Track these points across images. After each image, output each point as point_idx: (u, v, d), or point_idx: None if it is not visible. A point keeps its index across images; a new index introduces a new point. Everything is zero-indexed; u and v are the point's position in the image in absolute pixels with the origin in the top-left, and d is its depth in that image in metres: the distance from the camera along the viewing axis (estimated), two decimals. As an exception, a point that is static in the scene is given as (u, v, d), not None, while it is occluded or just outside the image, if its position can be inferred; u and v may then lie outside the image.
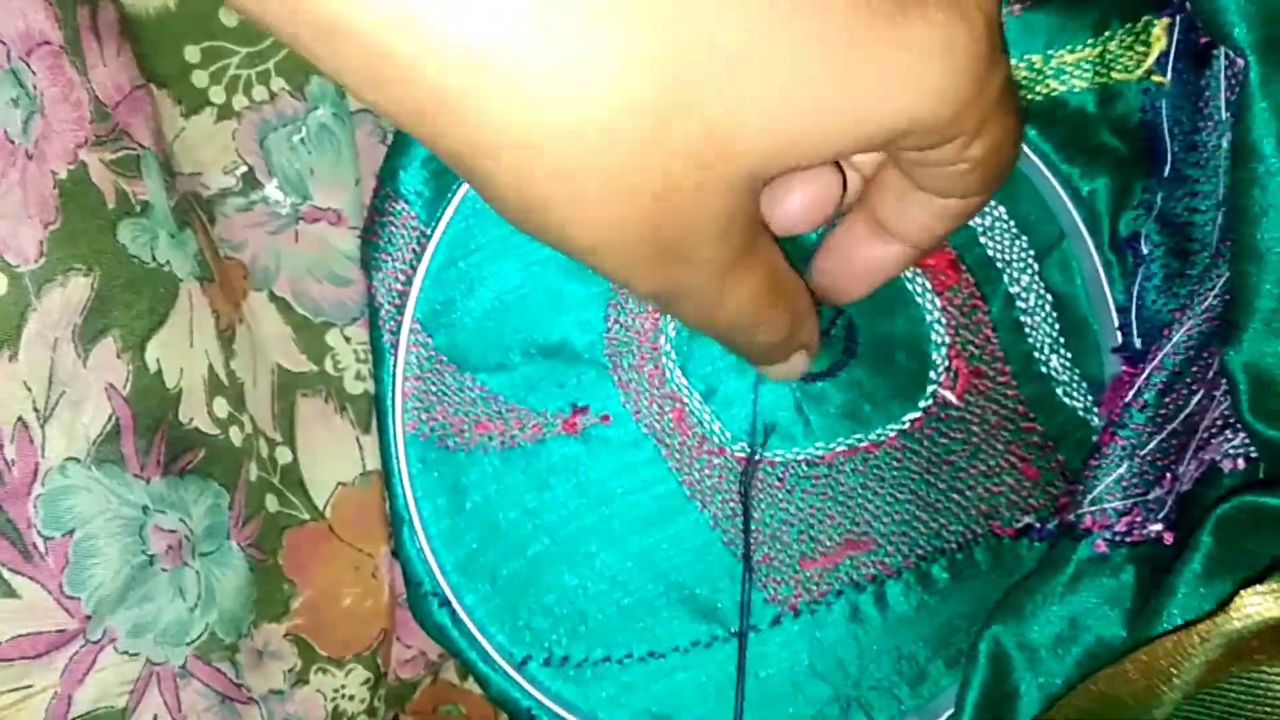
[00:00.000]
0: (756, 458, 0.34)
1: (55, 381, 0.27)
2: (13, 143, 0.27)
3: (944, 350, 0.34)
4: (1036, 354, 0.34)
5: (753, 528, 0.34)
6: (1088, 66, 0.32)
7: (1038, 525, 0.34)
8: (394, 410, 0.34)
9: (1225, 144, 0.29)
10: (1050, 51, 0.31)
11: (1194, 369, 0.31)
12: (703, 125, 0.19)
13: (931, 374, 0.34)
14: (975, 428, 0.34)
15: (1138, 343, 0.32)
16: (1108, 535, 0.31)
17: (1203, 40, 0.30)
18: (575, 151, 0.19)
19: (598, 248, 0.21)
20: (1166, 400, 0.31)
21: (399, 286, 0.34)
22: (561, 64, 0.18)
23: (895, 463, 0.34)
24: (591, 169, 0.19)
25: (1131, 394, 0.31)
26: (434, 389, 0.34)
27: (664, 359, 0.34)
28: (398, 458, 0.34)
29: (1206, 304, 0.30)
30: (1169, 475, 0.31)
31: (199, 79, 0.33)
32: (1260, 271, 0.28)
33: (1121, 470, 0.31)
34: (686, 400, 0.34)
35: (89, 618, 0.28)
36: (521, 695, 0.34)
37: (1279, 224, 0.28)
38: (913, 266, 0.32)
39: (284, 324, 0.35)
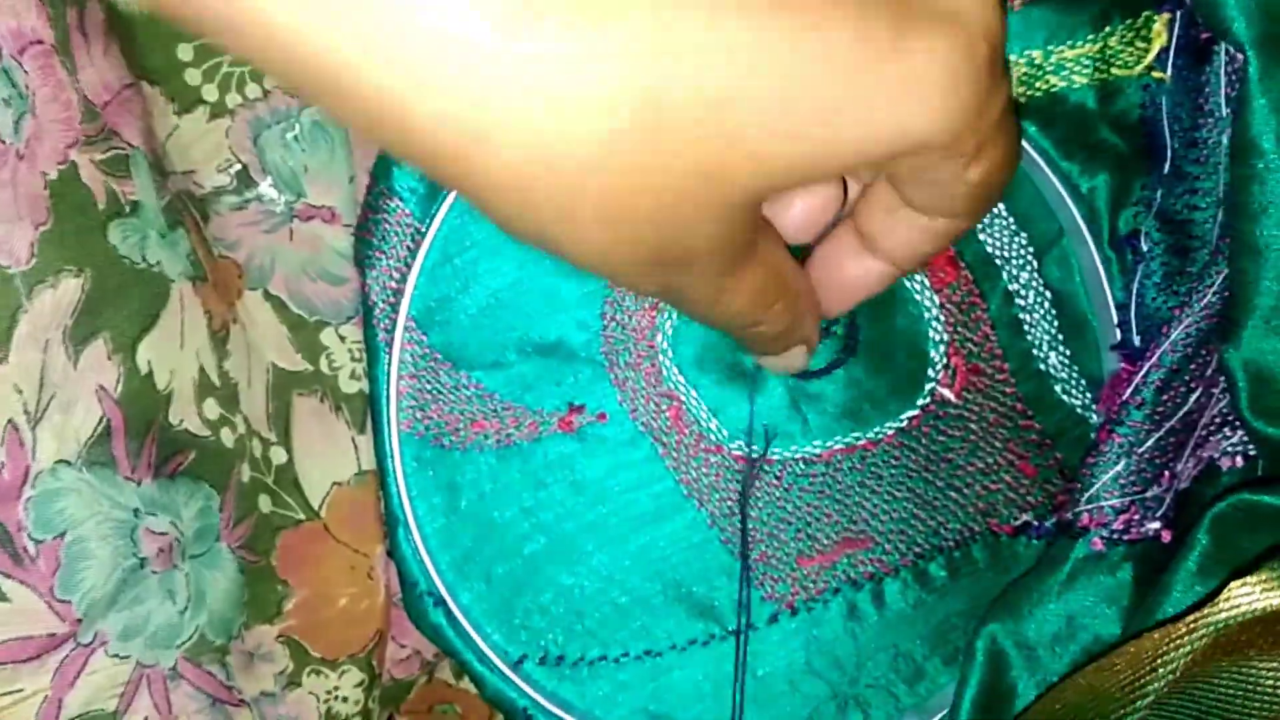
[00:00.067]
0: (757, 459, 0.33)
1: (46, 384, 0.27)
2: (4, 143, 0.27)
3: (942, 348, 0.33)
4: (1035, 351, 0.33)
5: (750, 526, 0.34)
6: (1088, 62, 0.31)
7: (1035, 523, 0.34)
8: (389, 409, 0.34)
9: (1225, 140, 0.29)
10: (1050, 47, 0.31)
11: (1193, 366, 0.30)
12: (701, 149, 0.19)
13: (930, 371, 0.34)
14: (973, 425, 0.34)
15: (1136, 340, 0.32)
16: (1105, 533, 0.31)
17: (1203, 36, 0.29)
18: (568, 179, 0.19)
19: (594, 263, 0.21)
20: (1165, 398, 0.30)
21: (393, 284, 0.34)
22: (554, 93, 0.17)
23: (893, 461, 0.34)
24: (585, 195, 0.19)
25: (1130, 391, 0.31)
26: (429, 387, 0.34)
27: (661, 357, 0.34)
28: (392, 456, 0.34)
29: (1206, 301, 0.30)
30: (1167, 473, 0.31)
31: (192, 77, 0.33)
32: (1260, 268, 0.28)
33: (1119, 468, 0.31)
34: (683, 398, 0.34)
35: (80, 621, 0.28)
36: (517, 695, 0.34)
37: (1279, 221, 0.27)
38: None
39: (279, 323, 0.34)
